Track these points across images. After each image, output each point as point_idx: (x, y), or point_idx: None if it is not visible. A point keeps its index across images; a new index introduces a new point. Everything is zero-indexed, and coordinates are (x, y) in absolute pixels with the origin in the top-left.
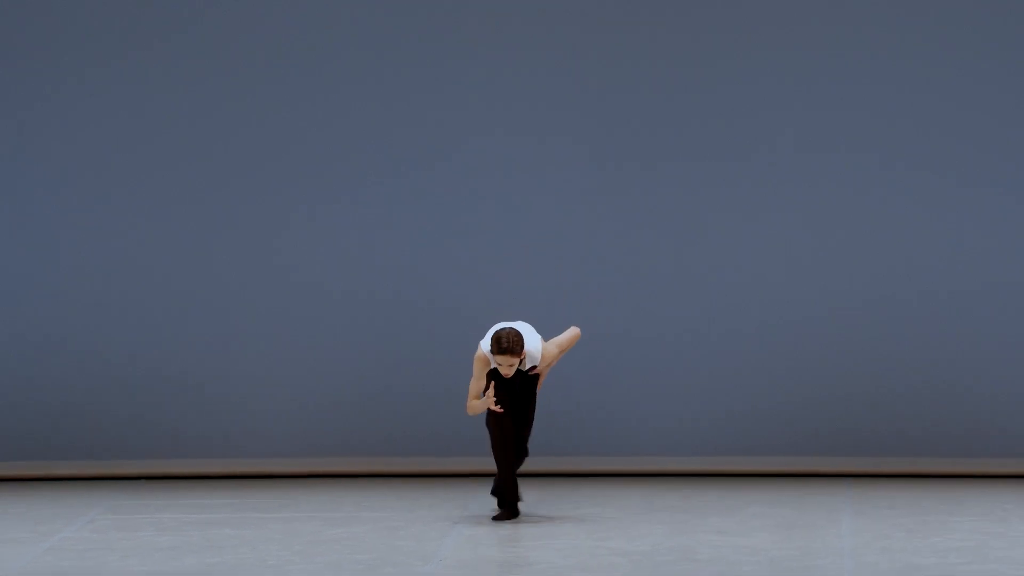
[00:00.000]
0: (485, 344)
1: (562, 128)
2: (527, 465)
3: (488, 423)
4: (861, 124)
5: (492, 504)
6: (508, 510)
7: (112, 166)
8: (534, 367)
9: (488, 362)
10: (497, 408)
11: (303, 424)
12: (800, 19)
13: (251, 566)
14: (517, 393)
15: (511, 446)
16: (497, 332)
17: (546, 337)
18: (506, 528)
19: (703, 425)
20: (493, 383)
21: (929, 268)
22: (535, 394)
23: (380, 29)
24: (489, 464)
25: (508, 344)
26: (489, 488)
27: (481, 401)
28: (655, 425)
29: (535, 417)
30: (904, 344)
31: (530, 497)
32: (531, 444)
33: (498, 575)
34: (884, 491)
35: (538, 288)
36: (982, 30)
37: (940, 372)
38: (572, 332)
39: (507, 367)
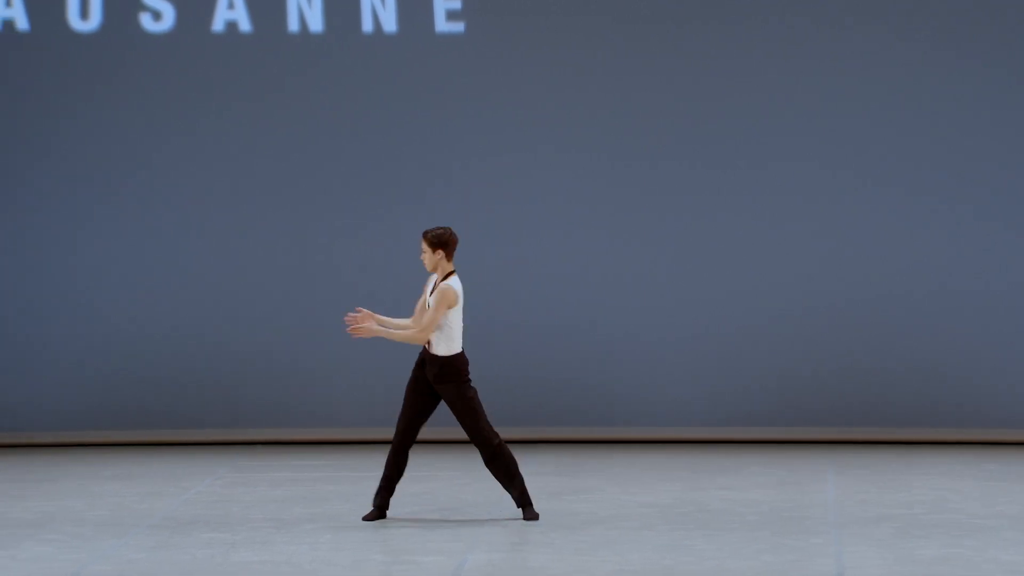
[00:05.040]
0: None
1: (594, 141)
2: (568, 433)
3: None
4: (871, 144)
5: (541, 466)
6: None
7: (224, 198)
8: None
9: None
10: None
11: (392, 400)
12: (820, 47)
13: (348, 514)
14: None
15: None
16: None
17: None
18: (553, 486)
19: (712, 401)
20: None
21: (900, 272)
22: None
23: (429, 73)
24: (540, 432)
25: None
26: (529, 460)
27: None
28: (673, 400)
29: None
30: (879, 335)
31: (570, 461)
32: (573, 414)
33: (547, 524)
34: (861, 455)
35: (570, 277)
36: (981, 57)
37: (907, 358)
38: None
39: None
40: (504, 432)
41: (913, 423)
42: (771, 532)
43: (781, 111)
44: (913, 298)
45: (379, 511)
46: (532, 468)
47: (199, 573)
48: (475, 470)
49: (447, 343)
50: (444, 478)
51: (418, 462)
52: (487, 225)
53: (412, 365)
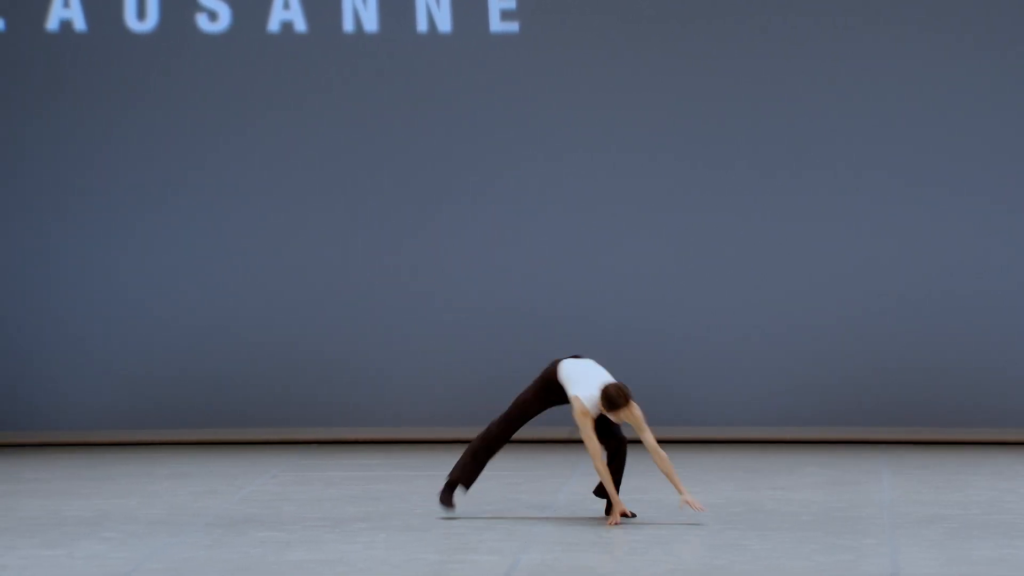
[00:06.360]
0: (583, 394)
1: (653, 141)
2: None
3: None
4: (906, 153)
5: (589, 467)
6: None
7: (279, 197)
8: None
9: (591, 413)
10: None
11: (447, 399)
12: (853, 59)
13: (401, 513)
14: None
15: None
16: (606, 391)
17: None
18: None
19: (766, 401)
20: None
21: (953, 271)
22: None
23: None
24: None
25: (623, 400)
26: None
27: (609, 486)
28: (727, 401)
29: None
30: (934, 334)
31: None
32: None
33: (599, 524)
34: (916, 455)
35: (622, 278)
36: (986, 56)
37: (963, 357)
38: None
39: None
40: (559, 432)
41: (969, 423)
42: (824, 532)
43: (808, 113)
44: (972, 296)
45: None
46: (588, 468)
47: (252, 572)
48: (529, 469)
49: None
50: (498, 477)
51: None
52: (544, 225)
53: (472, 367)
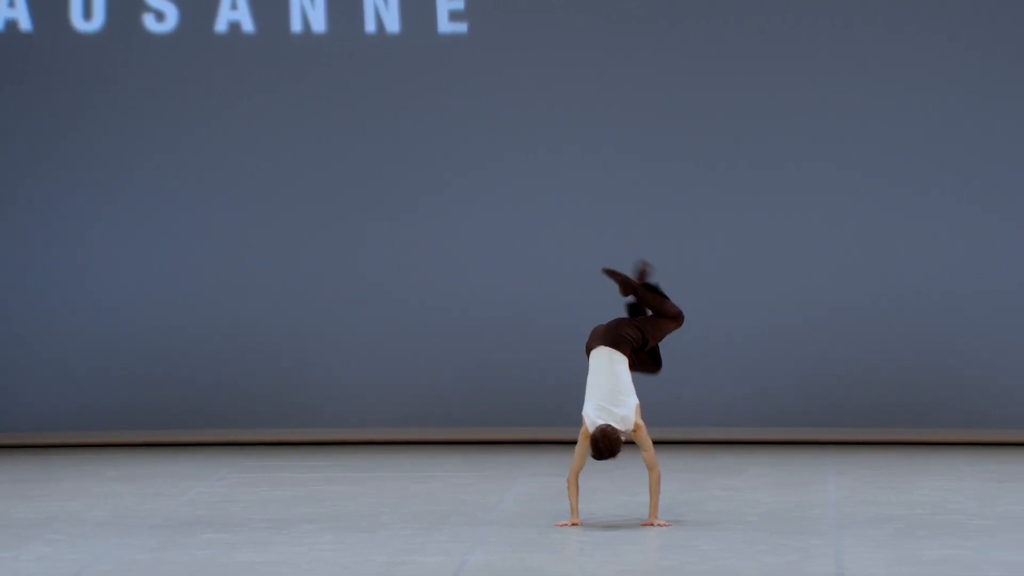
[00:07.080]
0: (588, 417)
1: (600, 140)
2: (570, 434)
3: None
4: (905, 154)
5: (542, 467)
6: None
7: (228, 198)
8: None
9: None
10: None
11: (394, 400)
12: (838, 56)
13: (348, 515)
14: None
15: None
16: (595, 438)
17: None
18: (556, 487)
19: (713, 402)
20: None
21: (903, 274)
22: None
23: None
24: (542, 433)
25: (607, 455)
26: (539, 458)
27: (571, 498)
28: (675, 402)
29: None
30: (879, 338)
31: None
32: (575, 415)
33: (547, 523)
34: (862, 456)
35: (574, 278)
36: (989, 55)
37: (910, 359)
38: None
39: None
40: (509, 433)
41: (915, 424)
42: (771, 532)
43: (802, 111)
44: (915, 298)
45: None
46: (535, 469)
47: (200, 574)
48: (476, 470)
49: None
50: (445, 478)
51: (419, 462)
52: (491, 226)
53: (419, 369)
